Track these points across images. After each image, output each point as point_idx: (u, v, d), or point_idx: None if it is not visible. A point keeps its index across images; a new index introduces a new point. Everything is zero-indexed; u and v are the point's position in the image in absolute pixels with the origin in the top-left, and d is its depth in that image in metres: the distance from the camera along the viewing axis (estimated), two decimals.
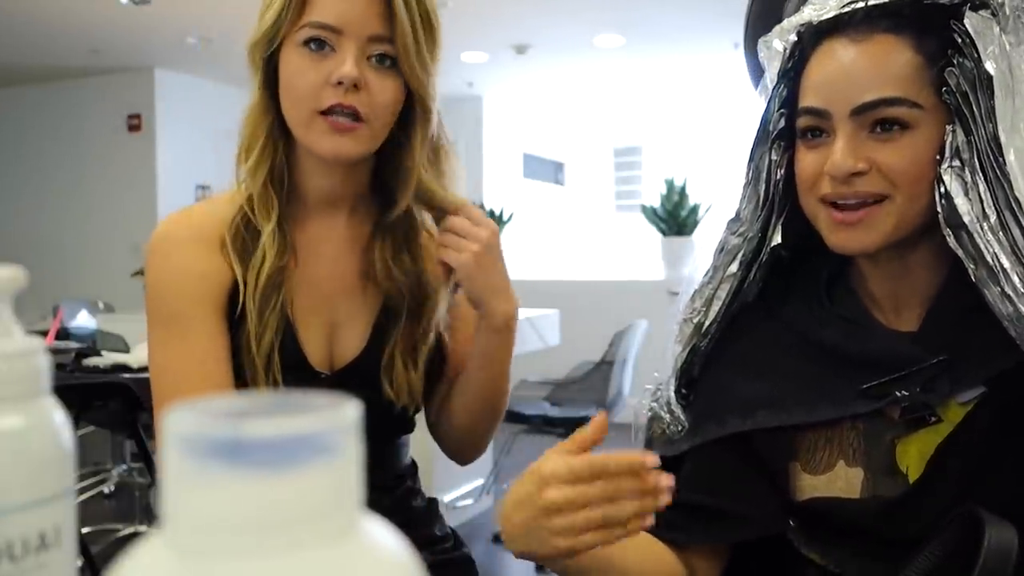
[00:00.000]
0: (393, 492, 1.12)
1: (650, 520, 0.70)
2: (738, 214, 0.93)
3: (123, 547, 0.28)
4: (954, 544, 0.74)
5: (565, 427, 3.25)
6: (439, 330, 1.10)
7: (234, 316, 0.99)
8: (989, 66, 0.76)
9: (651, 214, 5.72)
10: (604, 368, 3.39)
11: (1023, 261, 0.74)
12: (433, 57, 0.99)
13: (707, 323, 0.94)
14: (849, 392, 0.84)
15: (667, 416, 0.95)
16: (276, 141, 1.01)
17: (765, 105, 0.90)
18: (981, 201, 0.76)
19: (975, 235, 0.75)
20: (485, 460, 3.74)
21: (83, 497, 3.76)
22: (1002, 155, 0.75)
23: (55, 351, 2.27)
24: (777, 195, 0.90)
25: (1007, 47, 0.77)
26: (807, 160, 0.84)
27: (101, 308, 4.68)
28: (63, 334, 2.59)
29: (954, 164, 0.77)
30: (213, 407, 0.24)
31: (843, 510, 0.84)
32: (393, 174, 1.08)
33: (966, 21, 0.77)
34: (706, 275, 0.95)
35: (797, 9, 0.90)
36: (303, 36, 0.96)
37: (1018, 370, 0.78)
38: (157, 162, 6.53)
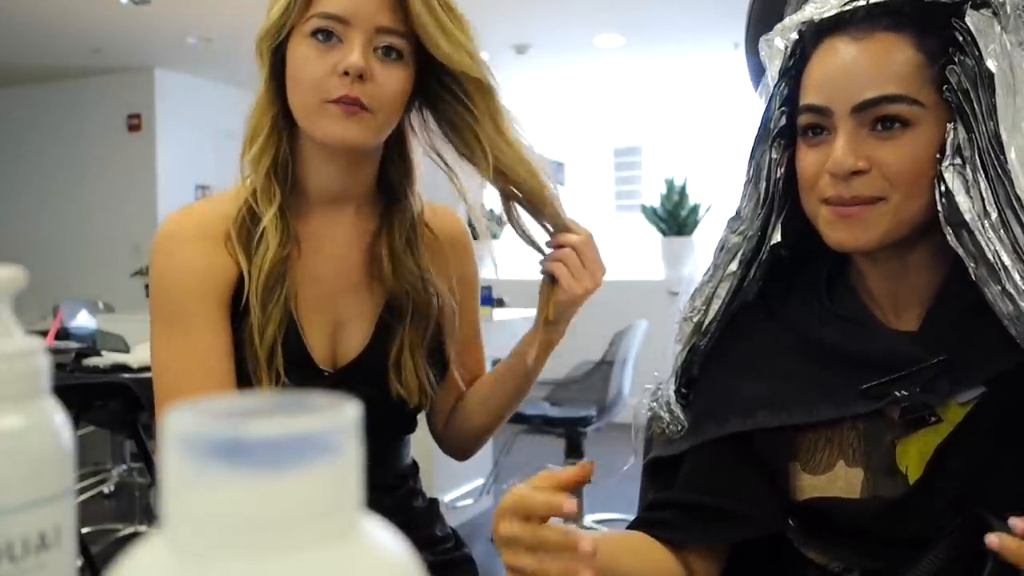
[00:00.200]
0: (394, 492, 1.12)
1: None
2: (738, 212, 0.93)
3: (123, 547, 0.28)
4: (959, 548, 0.74)
5: (565, 427, 3.25)
6: (442, 329, 1.10)
7: (238, 311, 0.99)
8: (990, 64, 0.76)
9: (651, 214, 5.72)
10: (604, 368, 3.39)
11: None
12: (466, 34, 0.99)
13: (707, 322, 0.94)
14: (849, 392, 0.84)
15: (667, 416, 0.95)
16: (280, 132, 1.01)
17: (766, 103, 0.90)
18: (982, 199, 0.76)
19: (976, 233, 0.75)
20: (485, 460, 3.74)
21: (83, 497, 3.76)
22: (1003, 153, 0.75)
23: (55, 351, 2.27)
24: (777, 193, 0.90)
25: (1008, 46, 0.77)
26: (808, 159, 0.84)
27: (101, 308, 4.67)
28: (63, 334, 2.59)
29: (955, 162, 0.77)
30: (213, 407, 0.24)
31: (843, 510, 0.84)
32: (396, 169, 1.08)
33: (967, 19, 0.77)
34: (706, 274, 0.95)
35: (798, 8, 0.90)
36: (311, 27, 0.96)
37: (1018, 370, 0.77)
38: (157, 162, 6.53)
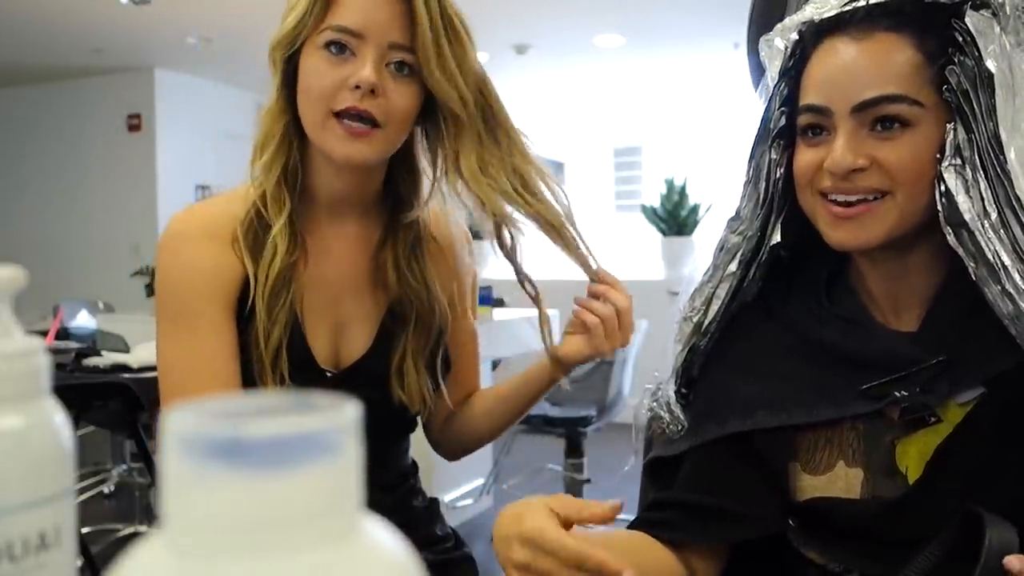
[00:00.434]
0: (395, 491, 1.13)
1: None
2: (738, 212, 0.93)
3: (123, 547, 0.28)
4: (954, 544, 0.74)
5: (565, 427, 3.25)
6: (445, 335, 1.11)
7: (243, 313, 1.00)
8: (990, 64, 0.76)
9: (651, 214, 5.72)
10: (604, 368, 3.38)
11: None
12: (463, 63, 0.99)
13: (706, 322, 0.94)
14: (849, 392, 0.84)
15: (667, 416, 0.95)
16: (291, 140, 1.02)
17: (766, 103, 0.90)
18: (982, 199, 0.76)
19: (976, 233, 0.75)
20: (485, 460, 3.74)
21: (83, 497, 3.76)
22: (1003, 153, 0.75)
23: (55, 351, 2.27)
24: (777, 194, 0.90)
25: (1007, 47, 0.77)
26: (806, 156, 0.85)
27: (101, 308, 4.67)
28: (63, 334, 2.59)
29: (955, 162, 0.77)
30: (213, 407, 0.24)
31: (842, 510, 0.84)
32: (404, 179, 1.08)
33: (967, 20, 0.77)
34: (706, 274, 0.95)
35: (799, 8, 0.90)
36: (324, 39, 0.96)
37: (1018, 371, 0.77)
38: (157, 162, 6.52)
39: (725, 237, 0.94)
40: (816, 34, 0.85)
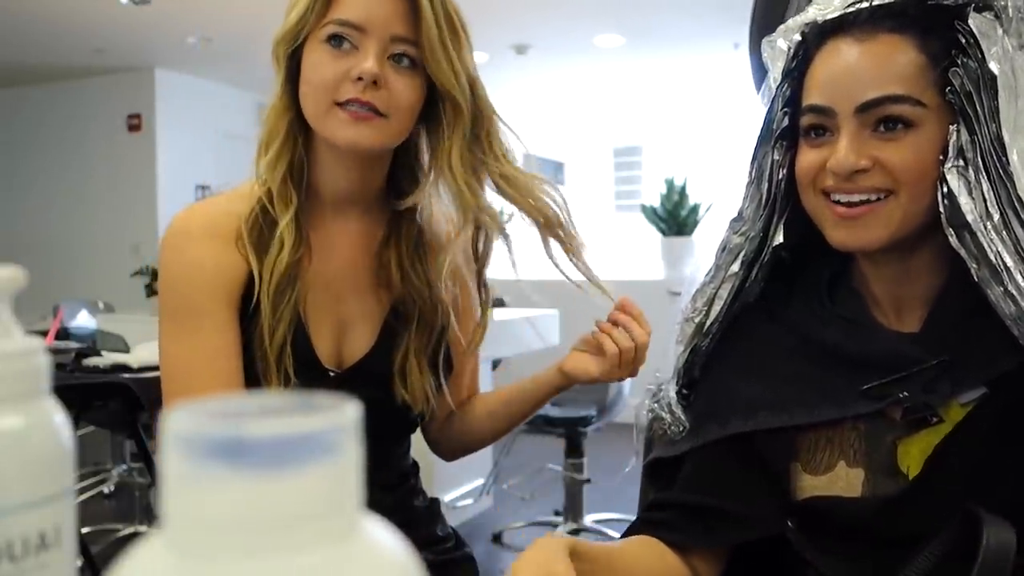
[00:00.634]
0: (395, 491, 1.13)
1: None
2: (740, 213, 0.93)
3: (123, 547, 0.28)
4: (953, 544, 0.74)
5: (565, 427, 3.25)
6: (447, 334, 1.11)
7: (247, 312, 1.00)
8: (993, 66, 0.76)
9: (651, 214, 5.71)
10: None
11: None
12: (460, 56, 1.00)
13: (708, 323, 0.94)
14: (850, 393, 0.84)
15: (668, 416, 0.95)
16: (296, 136, 1.02)
17: (769, 104, 0.90)
18: (985, 200, 0.76)
19: (978, 234, 0.75)
20: (485, 460, 3.74)
21: (83, 497, 3.76)
22: (1005, 155, 0.75)
23: (55, 351, 2.27)
24: (779, 194, 0.90)
25: (1010, 49, 0.77)
26: (809, 156, 0.85)
27: (101, 308, 4.67)
28: (63, 334, 2.59)
29: (958, 163, 0.77)
30: (213, 407, 0.24)
31: (842, 509, 0.84)
32: (406, 177, 1.08)
33: (970, 21, 0.78)
34: (708, 274, 0.95)
35: (799, 9, 0.90)
36: (327, 32, 0.97)
37: (1020, 371, 0.78)
38: (157, 162, 6.52)
39: (727, 238, 0.94)
40: (819, 35, 0.85)
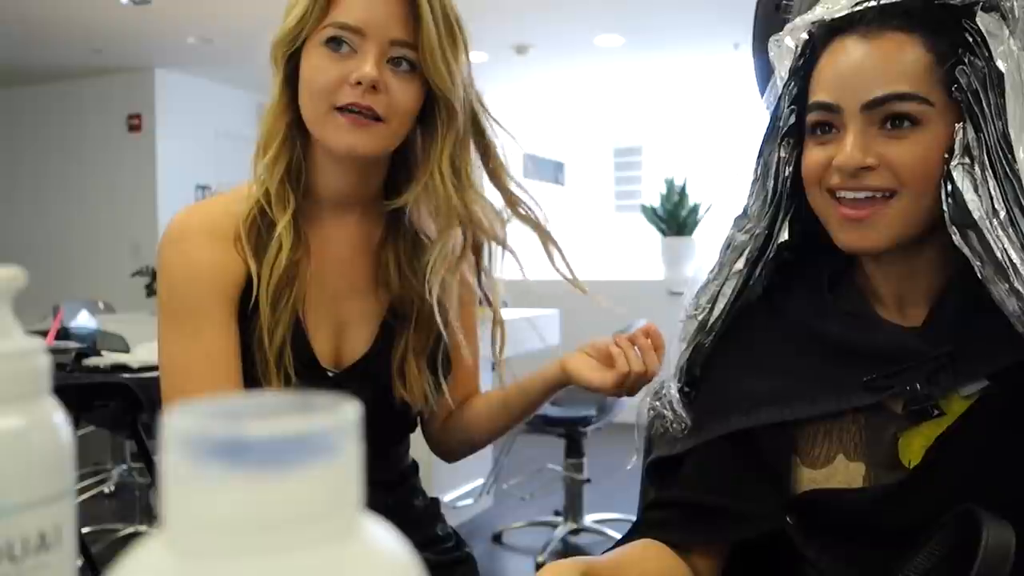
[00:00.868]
0: (395, 491, 1.13)
1: None
2: (745, 211, 0.93)
3: (123, 547, 0.28)
4: (953, 543, 0.74)
5: (565, 427, 3.25)
6: (446, 334, 1.11)
7: (246, 312, 1.00)
8: (1000, 64, 0.77)
9: (651, 214, 5.71)
10: None
11: None
12: (457, 60, 1.00)
13: (711, 320, 0.94)
14: (851, 384, 0.84)
15: (670, 414, 0.95)
16: (294, 139, 1.02)
17: (775, 102, 0.91)
18: (991, 197, 0.76)
19: (984, 231, 0.76)
20: (485, 460, 3.74)
21: (83, 497, 3.76)
22: (1012, 153, 0.75)
23: (55, 351, 2.27)
24: (785, 192, 0.90)
25: (1015, 51, 0.77)
26: (815, 154, 0.85)
27: (101, 308, 4.67)
28: (63, 334, 2.58)
29: (964, 161, 0.78)
30: (213, 407, 0.24)
31: (841, 501, 0.84)
32: (405, 177, 1.08)
33: (977, 20, 0.78)
34: (711, 272, 0.96)
35: (800, 10, 0.90)
36: (325, 35, 0.97)
37: (1022, 365, 0.78)
38: (157, 162, 6.52)
39: (732, 235, 0.94)
40: (827, 33, 0.86)
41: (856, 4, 0.83)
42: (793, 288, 0.94)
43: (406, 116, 1.00)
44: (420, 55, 0.97)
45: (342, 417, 0.24)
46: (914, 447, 0.82)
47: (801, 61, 0.89)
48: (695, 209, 5.55)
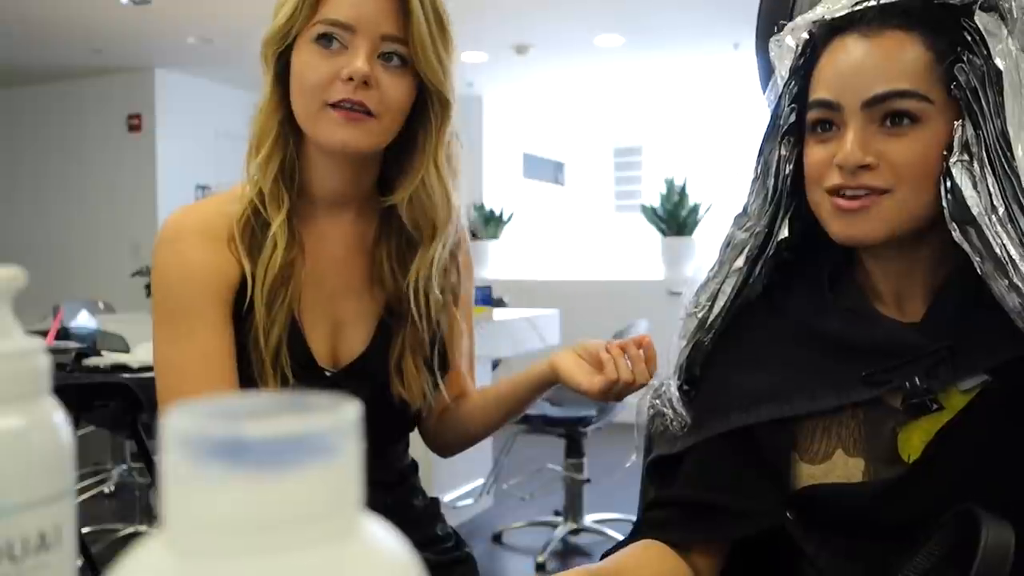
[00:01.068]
0: (395, 491, 1.13)
1: None
2: (745, 209, 0.94)
3: (123, 547, 0.28)
4: (952, 543, 0.74)
5: (565, 427, 3.25)
6: (441, 332, 1.11)
7: (241, 313, 1.00)
8: (999, 62, 0.77)
9: (651, 214, 5.72)
10: None
11: None
12: (448, 55, 1.01)
13: (711, 318, 0.95)
14: (850, 379, 0.84)
15: (670, 412, 0.96)
16: (286, 137, 1.02)
17: (776, 100, 0.91)
18: (990, 194, 0.76)
19: (983, 227, 0.76)
20: (485, 460, 3.74)
21: (83, 497, 3.76)
22: (1010, 150, 0.76)
23: (55, 351, 2.27)
24: (785, 190, 0.91)
25: (1013, 51, 0.78)
26: (816, 152, 0.85)
27: (101, 308, 4.67)
28: (63, 334, 2.59)
29: (963, 158, 0.78)
30: (213, 407, 0.24)
31: (840, 496, 0.84)
32: (398, 174, 1.08)
33: (976, 19, 0.78)
34: (711, 270, 0.96)
35: (800, 9, 0.91)
36: (316, 32, 0.97)
37: (1022, 360, 0.78)
38: (157, 162, 6.53)
39: (732, 233, 0.94)
40: (827, 32, 0.86)
41: (856, 3, 0.84)
42: (793, 286, 0.94)
43: (398, 111, 1.00)
44: (411, 49, 0.97)
45: (342, 417, 0.24)
46: (913, 442, 0.83)
47: (802, 60, 0.89)
48: (695, 209, 5.55)
